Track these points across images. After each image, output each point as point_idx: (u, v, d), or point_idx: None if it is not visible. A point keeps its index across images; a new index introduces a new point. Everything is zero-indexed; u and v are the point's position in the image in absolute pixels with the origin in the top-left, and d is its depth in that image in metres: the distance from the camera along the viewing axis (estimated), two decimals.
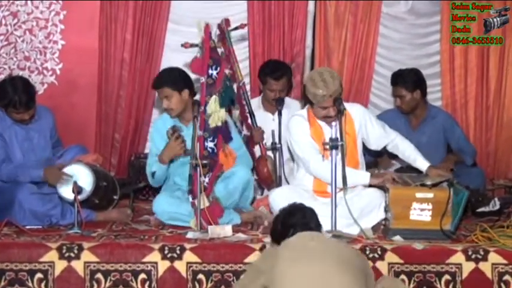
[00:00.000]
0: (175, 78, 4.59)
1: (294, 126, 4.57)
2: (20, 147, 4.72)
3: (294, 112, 4.81)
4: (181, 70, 4.69)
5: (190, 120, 4.56)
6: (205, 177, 4.43)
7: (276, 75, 5.22)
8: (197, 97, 4.70)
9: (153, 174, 4.63)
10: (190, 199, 4.45)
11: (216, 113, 4.44)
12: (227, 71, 4.52)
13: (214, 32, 4.58)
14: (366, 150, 4.76)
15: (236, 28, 4.66)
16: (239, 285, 3.61)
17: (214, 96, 4.43)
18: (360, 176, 4.44)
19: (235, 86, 4.77)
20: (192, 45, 4.51)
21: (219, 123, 4.47)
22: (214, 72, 4.45)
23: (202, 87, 4.48)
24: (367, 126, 4.60)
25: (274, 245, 3.59)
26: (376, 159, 5.21)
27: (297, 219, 3.50)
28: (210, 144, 4.48)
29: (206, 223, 4.36)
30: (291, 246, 3.36)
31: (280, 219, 3.56)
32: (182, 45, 4.54)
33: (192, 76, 4.68)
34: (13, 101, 4.56)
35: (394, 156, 4.92)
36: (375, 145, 4.67)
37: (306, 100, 4.56)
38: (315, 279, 3.18)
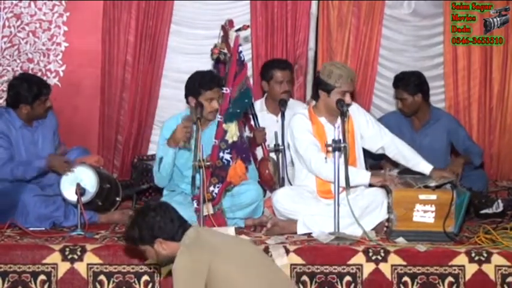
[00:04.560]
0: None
1: (297, 124, 4.57)
2: (26, 150, 4.72)
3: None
4: None
5: (208, 124, 4.56)
6: (214, 187, 4.44)
7: (283, 65, 5.26)
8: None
9: (160, 160, 4.53)
10: (195, 205, 4.45)
11: (229, 129, 4.51)
12: (239, 84, 4.55)
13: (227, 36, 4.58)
14: (369, 154, 4.75)
15: (239, 29, 4.66)
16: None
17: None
18: (360, 175, 4.42)
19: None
20: (220, 53, 4.54)
21: (235, 139, 4.53)
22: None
23: (226, 98, 4.51)
24: (365, 122, 4.60)
25: (146, 246, 3.31)
26: (379, 162, 5.19)
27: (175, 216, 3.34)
28: (226, 156, 4.52)
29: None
30: (214, 242, 3.26)
31: (169, 218, 3.29)
32: (212, 50, 4.55)
33: None
34: (41, 85, 4.66)
35: (396, 164, 4.90)
36: (369, 144, 4.64)
37: (321, 89, 4.47)
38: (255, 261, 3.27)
